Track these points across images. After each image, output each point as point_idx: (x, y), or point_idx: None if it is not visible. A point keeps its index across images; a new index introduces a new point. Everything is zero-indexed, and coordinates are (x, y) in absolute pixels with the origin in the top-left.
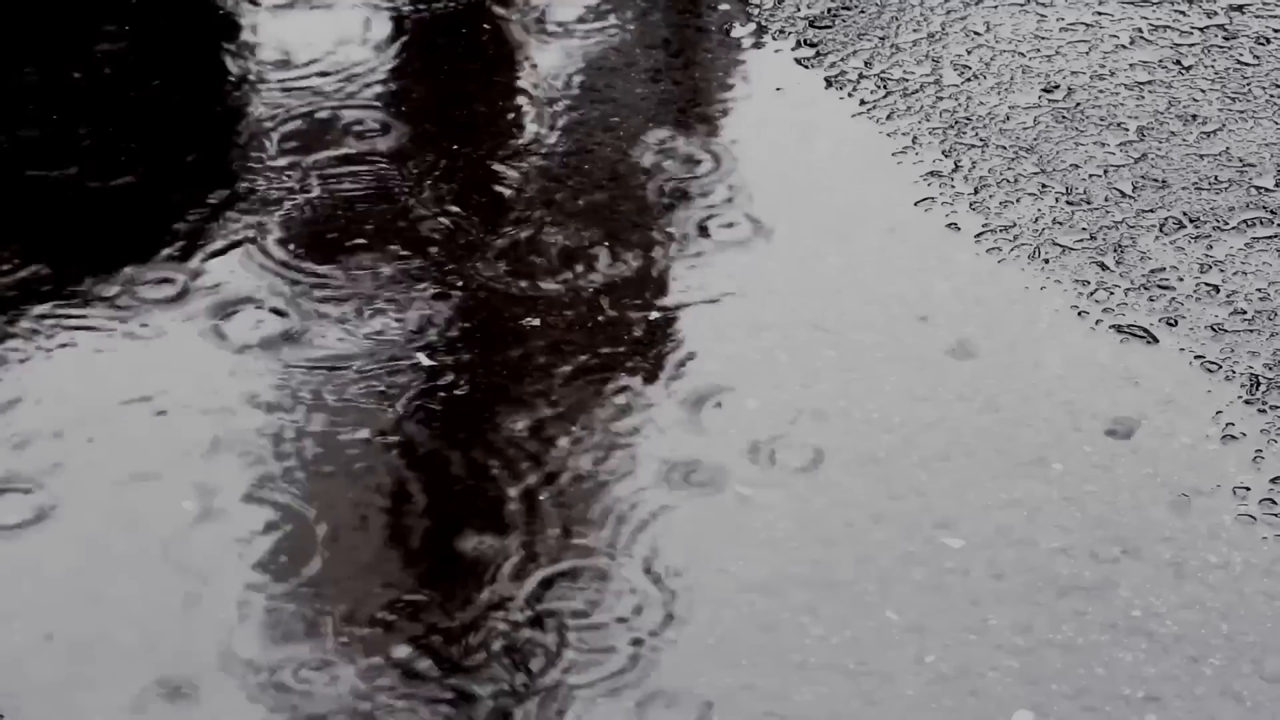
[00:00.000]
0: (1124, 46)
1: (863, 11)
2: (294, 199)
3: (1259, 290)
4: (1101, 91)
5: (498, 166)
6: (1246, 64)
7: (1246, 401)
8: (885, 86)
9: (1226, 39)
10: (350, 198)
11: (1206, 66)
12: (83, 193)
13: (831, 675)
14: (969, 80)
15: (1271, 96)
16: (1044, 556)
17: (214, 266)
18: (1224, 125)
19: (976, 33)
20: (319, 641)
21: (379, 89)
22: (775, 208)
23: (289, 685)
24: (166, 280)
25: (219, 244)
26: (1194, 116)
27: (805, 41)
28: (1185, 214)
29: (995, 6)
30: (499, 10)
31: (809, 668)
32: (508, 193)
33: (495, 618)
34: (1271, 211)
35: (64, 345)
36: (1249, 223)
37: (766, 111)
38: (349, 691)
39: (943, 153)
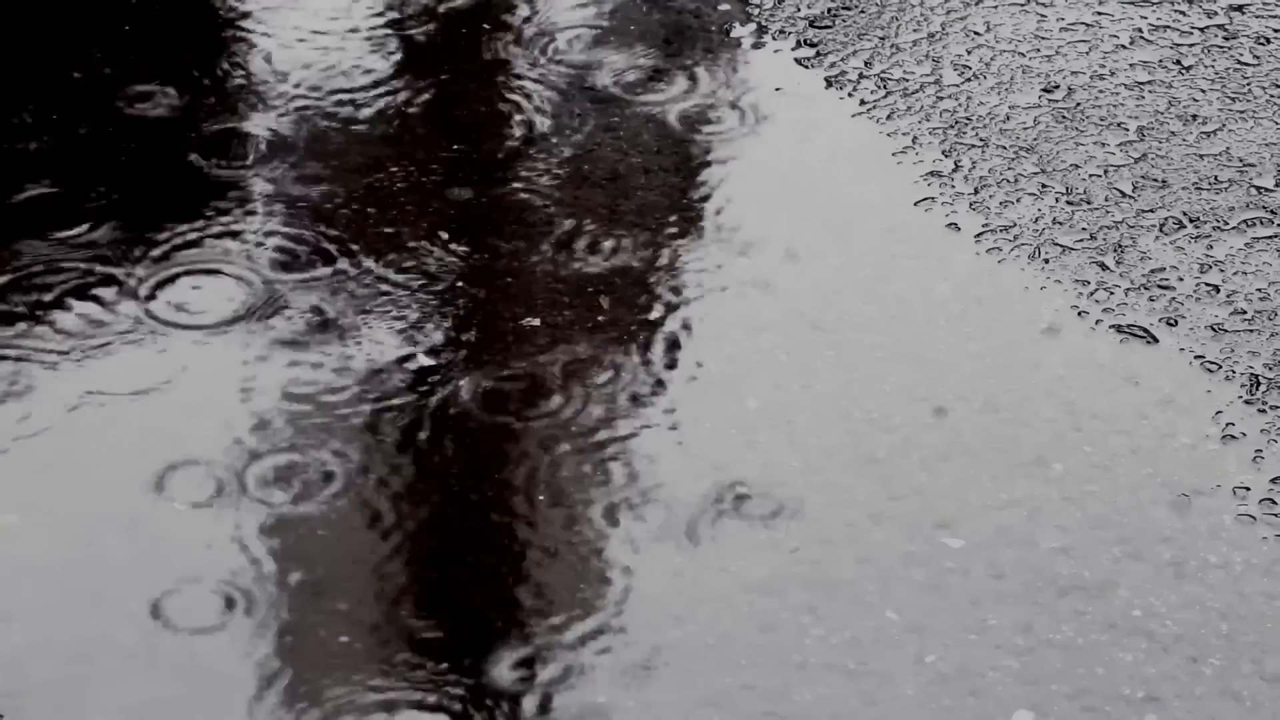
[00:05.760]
0: (1124, 46)
1: (863, 11)
2: (292, 199)
3: (1259, 290)
4: (1101, 91)
5: (497, 166)
6: (1246, 64)
7: (1246, 401)
8: (885, 86)
9: (1226, 39)
10: (348, 197)
11: (1206, 66)
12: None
13: (831, 675)
14: (969, 80)
15: (1271, 96)
16: (1044, 556)
17: (206, 264)
18: (1224, 125)
19: (976, 33)
20: (320, 640)
21: (378, 89)
22: (775, 208)
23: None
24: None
25: (216, 243)
26: (1194, 116)
27: (805, 41)
28: (1185, 214)
29: (995, 6)
30: (499, 10)
31: (809, 668)
32: (507, 193)
33: (492, 615)
34: (1271, 211)
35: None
36: (1249, 223)
37: (766, 111)
38: (351, 689)
39: (943, 153)
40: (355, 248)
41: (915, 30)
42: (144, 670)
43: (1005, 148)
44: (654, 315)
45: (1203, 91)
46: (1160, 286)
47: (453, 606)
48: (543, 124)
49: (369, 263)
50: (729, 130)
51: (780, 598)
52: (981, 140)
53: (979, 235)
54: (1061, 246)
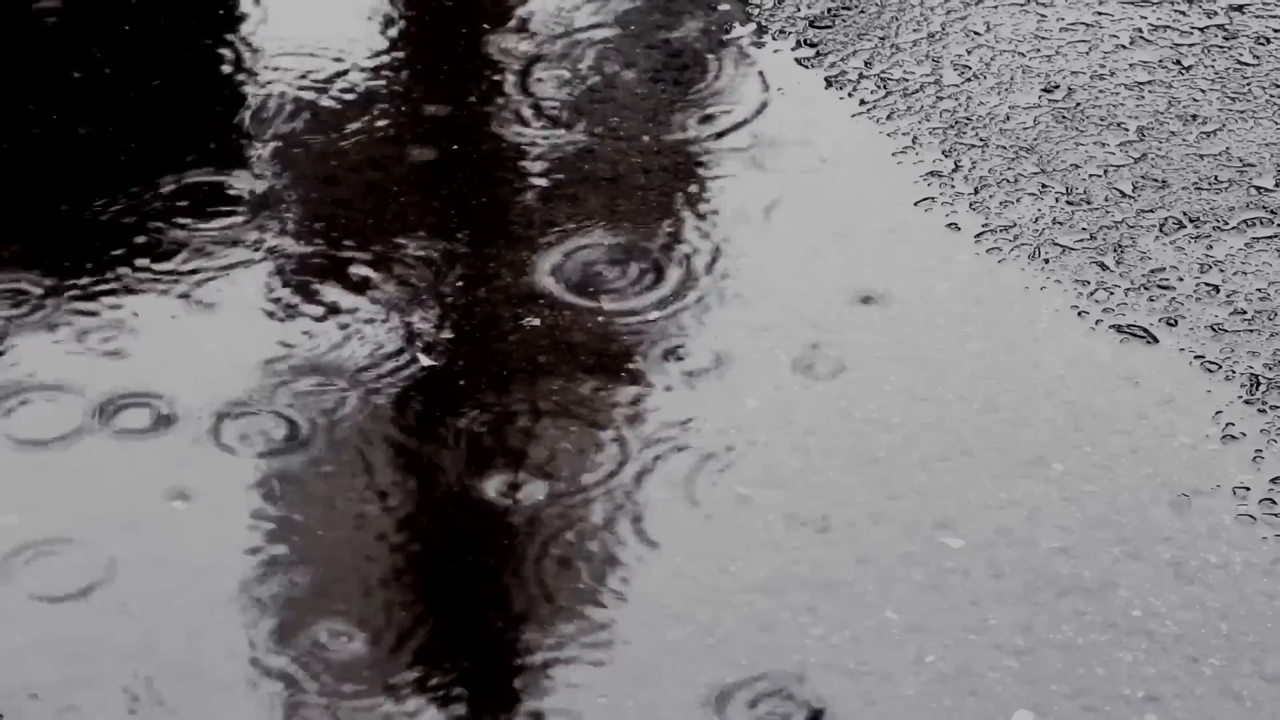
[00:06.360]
0: (1124, 46)
1: (863, 11)
2: (291, 200)
3: (1259, 290)
4: (1101, 91)
5: (497, 166)
6: (1246, 64)
7: (1246, 401)
8: (885, 86)
9: (1226, 39)
10: (348, 197)
11: (1206, 66)
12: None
13: (831, 675)
14: (969, 80)
15: (1271, 96)
16: (1044, 556)
17: (207, 266)
18: (1224, 125)
19: (976, 33)
20: (320, 638)
21: (376, 89)
22: (775, 208)
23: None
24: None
25: (211, 243)
26: (1194, 116)
27: (805, 41)
28: (1185, 214)
29: (995, 6)
30: (498, 9)
31: (809, 668)
32: (507, 193)
33: (493, 615)
34: (1271, 211)
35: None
36: (1249, 223)
37: (766, 111)
38: (350, 689)
39: (943, 153)
40: (353, 247)
41: (915, 30)
42: (145, 670)
43: (1005, 148)
44: (653, 315)
45: (1203, 91)
46: (1160, 286)
47: (451, 606)
48: (542, 124)
49: (368, 262)
50: (728, 130)
51: (780, 598)
52: (981, 140)
53: (979, 235)
54: (1061, 246)
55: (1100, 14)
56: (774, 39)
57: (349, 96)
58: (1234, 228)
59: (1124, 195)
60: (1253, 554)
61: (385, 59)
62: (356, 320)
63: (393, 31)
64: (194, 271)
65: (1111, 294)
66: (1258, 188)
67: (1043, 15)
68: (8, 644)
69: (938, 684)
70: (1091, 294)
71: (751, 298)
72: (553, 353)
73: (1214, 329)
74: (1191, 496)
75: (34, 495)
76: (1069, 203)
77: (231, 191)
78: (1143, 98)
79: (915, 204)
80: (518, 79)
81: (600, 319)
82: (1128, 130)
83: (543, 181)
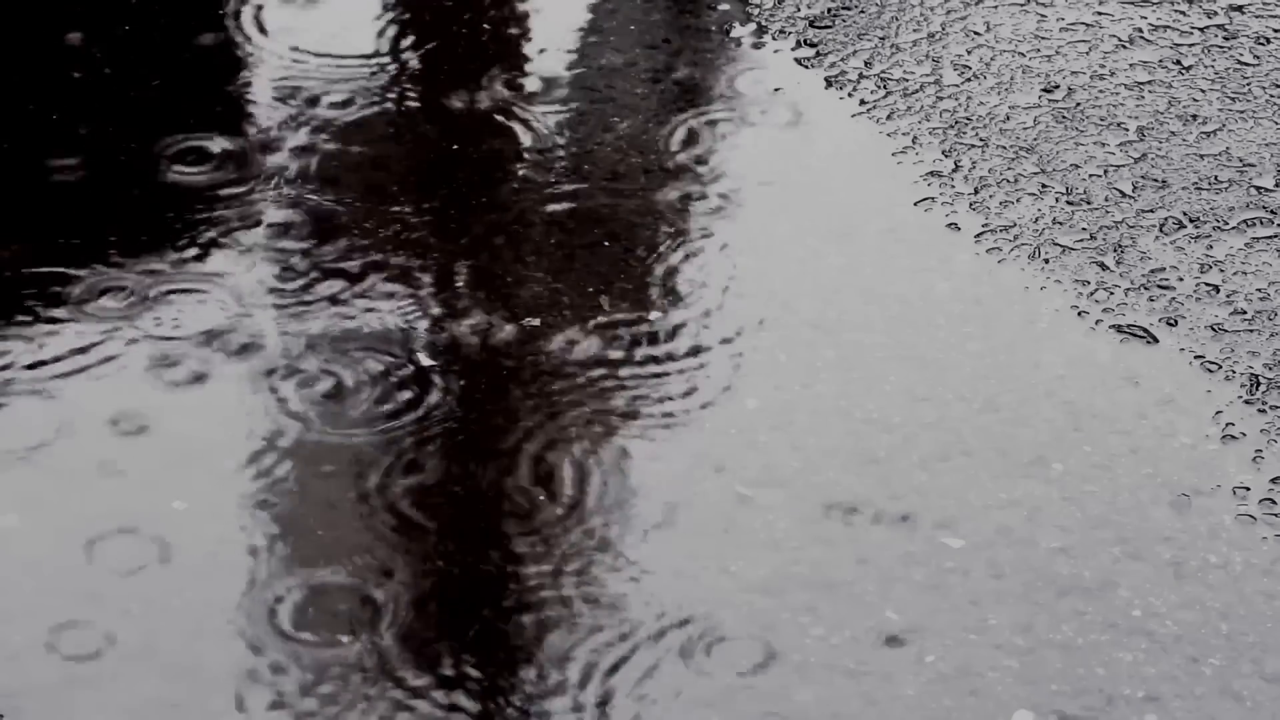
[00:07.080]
0: (1124, 46)
1: (863, 11)
2: (289, 200)
3: (1259, 290)
4: (1101, 91)
5: (497, 166)
6: (1246, 64)
7: (1246, 401)
8: (885, 86)
9: (1226, 39)
10: (348, 198)
11: (1206, 66)
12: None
13: (831, 675)
14: (969, 80)
15: (1271, 96)
16: (1044, 556)
17: (205, 267)
18: (1224, 125)
19: (976, 33)
20: (316, 637)
21: (376, 89)
22: (775, 208)
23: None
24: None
25: (212, 243)
26: (1194, 116)
27: (805, 41)
28: (1185, 214)
29: (995, 6)
30: (498, 9)
31: (809, 668)
32: (507, 193)
33: (495, 616)
34: (1271, 211)
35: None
36: (1249, 223)
37: (766, 111)
38: (351, 690)
39: (943, 153)
40: (354, 248)
41: (915, 30)
42: (144, 670)
43: (1005, 148)
44: (654, 315)
45: (1203, 91)
46: (1160, 286)
47: (451, 606)
48: (543, 124)
49: (368, 263)
50: (729, 130)
51: (780, 598)
52: (981, 140)
53: (979, 235)
54: (1061, 246)
55: (1100, 14)
56: (774, 39)
57: (349, 96)
58: (1234, 228)
59: (1124, 195)
60: (1253, 554)
61: (385, 60)
62: (356, 320)
63: (391, 32)
64: (189, 275)
65: (1111, 294)
66: (1258, 188)
67: (1043, 15)
68: (8, 644)
69: (938, 684)
70: (1091, 294)
71: (752, 297)
72: (552, 353)
73: (1214, 329)
74: (1191, 496)
75: (34, 495)
76: (1069, 203)
77: (218, 204)
78: (1143, 98)
79: (915, 204)
80: (517, 79)
81: (600, 319)
82: (1128, 130)
83: (543, 182)
